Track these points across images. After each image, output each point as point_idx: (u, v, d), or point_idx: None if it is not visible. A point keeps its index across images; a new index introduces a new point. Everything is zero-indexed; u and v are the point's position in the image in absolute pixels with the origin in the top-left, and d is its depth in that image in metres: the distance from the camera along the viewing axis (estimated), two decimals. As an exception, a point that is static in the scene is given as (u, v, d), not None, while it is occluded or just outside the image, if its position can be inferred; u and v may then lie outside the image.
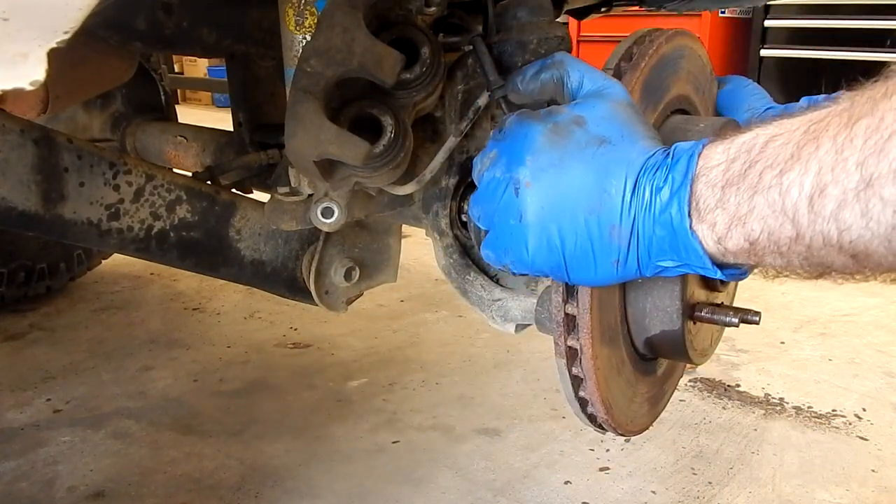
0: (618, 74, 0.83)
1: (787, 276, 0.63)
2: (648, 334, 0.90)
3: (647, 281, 0.86)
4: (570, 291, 0.82)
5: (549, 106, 0.80)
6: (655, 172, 0.65)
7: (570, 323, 0.83)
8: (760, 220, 0.58)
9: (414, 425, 1.87)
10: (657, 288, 0.86)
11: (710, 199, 0.61)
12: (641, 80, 0.84)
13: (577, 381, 0.87)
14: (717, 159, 0.62)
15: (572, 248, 0.69)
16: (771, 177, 0.57)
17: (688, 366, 1.08)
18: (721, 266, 0.65)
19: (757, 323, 0.97)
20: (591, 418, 0.91)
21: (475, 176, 0.80)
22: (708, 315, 0.90)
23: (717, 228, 0.61)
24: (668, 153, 0.66)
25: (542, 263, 0.72)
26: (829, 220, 0.53)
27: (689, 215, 0.62)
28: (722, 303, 0.99)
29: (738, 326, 0.90)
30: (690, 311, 0.89)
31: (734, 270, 0.66)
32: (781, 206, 0.56)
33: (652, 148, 0.69)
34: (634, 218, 0.66)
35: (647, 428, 1.06)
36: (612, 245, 0.67)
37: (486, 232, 0.77)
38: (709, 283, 0.93)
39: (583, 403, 0.89)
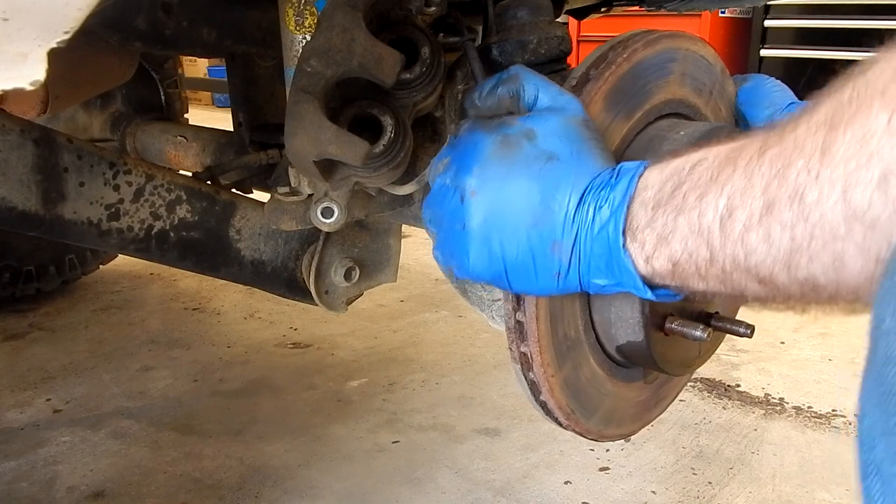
0: (584, 81, 0.82)
1: (711, 300, 0.63)
2: (617, 344, 0.89)
3: None
4: (519, 299, 0.82)
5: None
6: (600, 191, 0.67)
7: (521, 330, 0.83)
8: (682, 240, 0.60)
9: (414, 425, 1.87)
10: (619, 298, 0.86)
11: (642, 219, 0.63)
12: (605, 89, 0.82)
13: (534, 387, 0.87)
14: (652, 180, 0.64)
15: (513, 259, 0.70)
16: (693, 199, 0.59)
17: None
18: (652, 287, 0.66)
19: (749, 336, 0.96)
20: (558, 422, 0.91)
21: (429, 179, 0.81)
22: (678, 327, 0.88)
23: (646, 248, 0.63)
24: (614, 173, 0.68)
25: (483, 271, 0.73)
26: (736, 242, 0.55)
27: (624, 234, 0.64)
28: (717, 312, 0.98)
29: (705, 341, 0.89)
30: (661, 322, 0.89)
31: (664, 292, 0.67)
32: (698, 228, 0.58)
33: (600, 167, 0.70)
34: (576, 234, 0.67)
35: (632, 433, 1.06)
36: (553, 260, 0.68)
37: (436, 235, 0.79)
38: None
39: (545, 408, 0.90)
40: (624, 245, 0.64)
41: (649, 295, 0.66)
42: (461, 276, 0.76)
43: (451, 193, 0.74)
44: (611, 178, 0.67)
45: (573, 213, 0.68)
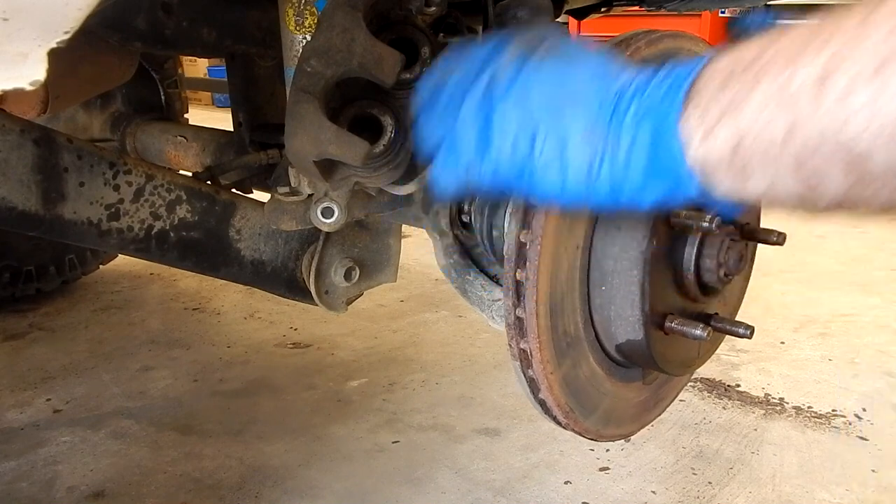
0: None
1: (770, 205, 0.54)
2: (616, 342, 0.90)
3: (610, 288, 0.86)
4: (519, 295, 0.82)
5: None
6: (652, 78, 0.59)
7: (521, 326, 0.83)
8: (758, 108, 0.50)
9: (414, 425, 1.87)
10: (619, 296, 0.86)
11: (710, 87, 0.54)
12: None
13: (533, 384, 0.87)
14: (726, 58, 0.55)
15: (541, 149, 0.62)
16: (781, 63, 0.50)
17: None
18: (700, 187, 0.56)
19: (748, 337, 0.96)
20: (557, 421, 0.91)
21: (424, 95, 0.72)
22: (678, 326, 0.88)
23: (707, 118, 0.53)
24: (672, 65, 0.59)
25: (507, 169, 0.64)
26: (832, 109, 0.46)
27: (683, 106, 0.55)
28: (716, 313, 0.98)
29: (706, 339, 0.89)
30: (660, 321, 0.89)
31: (713, 197, 0.57)
32: (783, 93, 0.49)
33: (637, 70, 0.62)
34: (616, 117, 0.59)
35: (630, 434, 1.06)
36: (586, 150, 0.60)
37: (437, 153, 0.71)
38: (688, 293, 0.92)
39: (543, 406, 0.90)
40: (680, 116, 0.55)
41: (695, 190, 0.56)
42: (479, 178, 0.67)
43: (469, 88, 0.67)
44: (667, 68, 0.59)
45: (615, 97, 0.59)
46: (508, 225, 0.94)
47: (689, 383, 2.09)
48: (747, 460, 1.73)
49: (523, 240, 0.81)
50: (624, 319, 0.87)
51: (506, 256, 0.83)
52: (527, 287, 0.81)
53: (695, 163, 0.55)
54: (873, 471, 1.69)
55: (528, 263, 0.80)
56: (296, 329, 2.45)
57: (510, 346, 0.86)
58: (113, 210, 1.16)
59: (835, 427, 1.88)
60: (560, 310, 0.85)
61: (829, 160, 0.47)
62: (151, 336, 2.41)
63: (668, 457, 1.74)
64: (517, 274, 0.82)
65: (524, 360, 0.86)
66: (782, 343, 2.39)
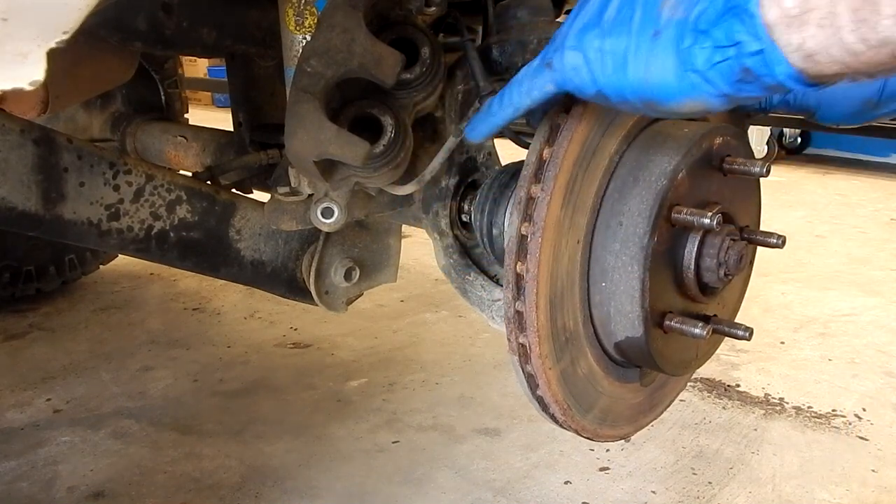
0: None
1: (824, 64, 0.53)
2: (615, 340, 0.89)
3: (610, 284, 0.86)
4: (519, 288, 0.82)
5: None
6: None
7: (520, 320, 0.83)
8: None
9: (414, 425, 1.87)
10: (619, 292, 0.86)
11: None
12: None
13: (531, 380, 0.87)
14: None
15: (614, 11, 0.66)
16: None
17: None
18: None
19: (747, 338, 0.96)
20: (555, 419, 0.91)
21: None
22: (678, 325, 0.88)
23: None
24: None
25: (592, 13, 0.69)
26: None
27: None
28: (715, 315, 0.98)
29: (705, 339, 0.88)
30: (660, 319, 0.88)
31: (787, 71, 0.56)
32: None
33: None
34: None
35: (627, 436, 1.06)
36: (660, 13, 0.62)
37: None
38: (688, 292, 0.92)
39: (541, 403, 0.89)
40: None
41: (766, 42, 0.55)
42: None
43: None
44: None
45: None
46: (510, 216, 0.94)
47: (689, 383, 2.08)
48: (747, 460, 1.73)
49: (524, 232, 0.80)
50: (623, 316, 0.87)
51: (507, 249, 0.83)
52: (527, 280, 0.81)
53: (766, 20, 0.55)
54: (873, 471, 1.69)
55: (528, 256, 0.80)
56: (296, 329, 2.45)
57: (509, 340, 0.86)
58: (113, 210, 1.16)
59: (835, 427, 1.88)
60: (560, 304, 0.85)
61: None
62: (151, 336, 2.41)
63: (668, 457, 1.74)
64: (518, 266, 0.82)
65: (523, 354, 0.85)
66: (782, 343, 2.39)
